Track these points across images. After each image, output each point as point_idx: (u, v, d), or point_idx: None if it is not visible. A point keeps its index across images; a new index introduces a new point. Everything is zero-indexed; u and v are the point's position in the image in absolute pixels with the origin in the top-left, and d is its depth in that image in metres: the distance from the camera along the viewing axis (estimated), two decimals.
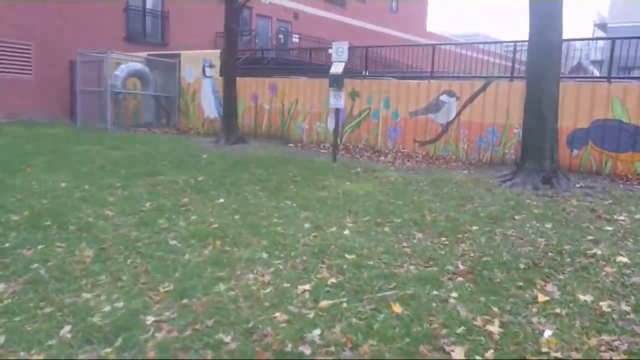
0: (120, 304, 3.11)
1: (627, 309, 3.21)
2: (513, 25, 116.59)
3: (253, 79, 13.89)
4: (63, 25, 16.81)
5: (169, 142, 11.69)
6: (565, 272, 3.84)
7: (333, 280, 3.57)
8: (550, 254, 4.23)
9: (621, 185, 7.74)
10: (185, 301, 3.18)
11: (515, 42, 10.01)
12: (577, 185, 7.43)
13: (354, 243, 4.39)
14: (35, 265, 3.73)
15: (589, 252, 4.25)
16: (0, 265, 3.71)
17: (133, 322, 2.89)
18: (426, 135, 10.80)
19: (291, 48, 22.96)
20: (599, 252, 4.23)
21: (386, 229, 4.89)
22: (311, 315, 3.03)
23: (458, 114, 10.31)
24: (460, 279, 3.67)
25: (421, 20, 34.52)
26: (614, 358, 2.68)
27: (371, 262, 3.94)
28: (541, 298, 3.34)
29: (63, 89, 17.01)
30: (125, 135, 12.56)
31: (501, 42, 12.03)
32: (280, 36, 24.58)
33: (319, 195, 6.28)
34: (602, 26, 29.15)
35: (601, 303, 3.28)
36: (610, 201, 6.40)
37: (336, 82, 9.04)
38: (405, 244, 4.42)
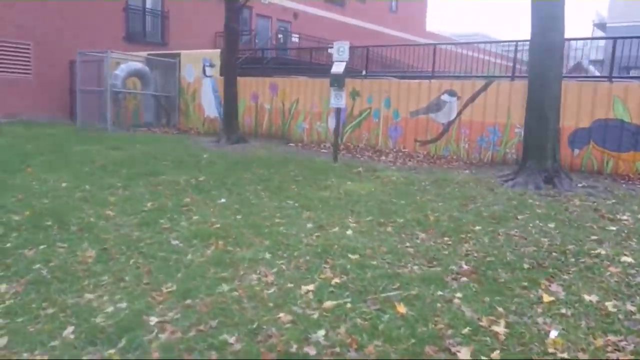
0: (123, 305, 3.10)
1: (633, 309, 3.19)
2: (512, 25, 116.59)
3: (253, 78, 13.87)
4: (63, 25, 16.78)
5: (170, 141, 11.66)
6: (570, 272, 3.82)
7: (337, 280, 3.55)
8: (554, 253, 4.21)
9: (623, 185, 7.72)
10: (188, 302, 3.16)
11: (516, 41, 9.99)
12: (579, 185, 7.41)
13: (357, 243, 4.37)
14: (37, 265, 3.71)
15: (593, 252, 4.23)
16: (1, 265, 3.70)
17: (136, 322, 2.87)
18: (427, 134, 10.78)
19: (291, 48, 22.94)
20: (603, 252, 4.21)
21: (389, 229, 4.87)
22: (315, 316, 3.01)
23: (459, 113, 10.29)
24: (465, 279, 3.65)
25: (421, 20, 34.52)
26: (620, 358, 2.67)
27: (375, 262, 3.92)
28: (546, 298, 3.33)
29: (63, 89, 16.98)
30: (125, 135, 12.54)
31: (502, 42, 12.02)
32: (280, 36, 24.56)
33: (321, 195, 6.26)
34: (601, 26, 29.14)
35: (606, 303, 3.27)
36: (613, 201, 6.39)
37: (337, 81, 9.02)
38: (408, 244, 4.41)
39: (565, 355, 2.67)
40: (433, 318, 3.01)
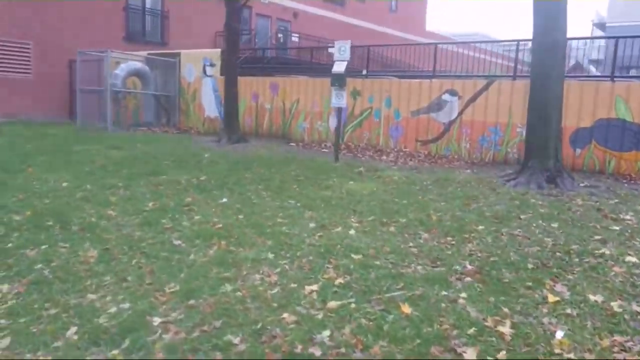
0: (126, 305, 3.07)
1: (639, 309, 3.17)
2: (512, 25, 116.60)
3: (254, 78, 13.85)
4: (63, 25, 16.75)
5: (170, 141, 11.64)
6: (574, 272, 3.80)
7: (340, 280, 3.54)
8: (558, 253, 4.19)
9: (625, 185, 7.71)
10: (192, 302, 3.14)
11: (517, 41, 9.98)
12: (582, 185, 7.40)
13: (360, 243, 4.35)
14: (39, 265, 3.69)
15: (597, 251, 4.22)
16: (3, 265, 3.68)
17: (140, 323, 2.85)
18: (428, 134, 10.76)
19: (292, 47, 22.92)
20: (607, 252, 4.19)
21: (392, 228, 4.86)
22: (320, 316, 2.99)
23: (460, 113, 10.27)
24: (469, 279, 3.63)
25: (420, 20, 34.51)
26: (627, 359, 2.65)
27: (378, 262, 3.90)
28: (551, 298, 3.31)
29: (62, 89, 16.95)
30: (125, 135, 12.51)
31: (503, 42, 12.00)
32: (280, 35, 24.54)
33: (323, 194, 6.24)
34: (600, 25, 29.16)
35: (612, 303, 3.25)
36: (616, 200, 6.37)
37: (338, 81, 9.00)
38: (411, 244, 4.39)
39: (571, 356, 2.65)
40: (438, 318, 2.99)
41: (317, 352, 2.61)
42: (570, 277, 3.71)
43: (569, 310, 3.15)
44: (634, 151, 8.49)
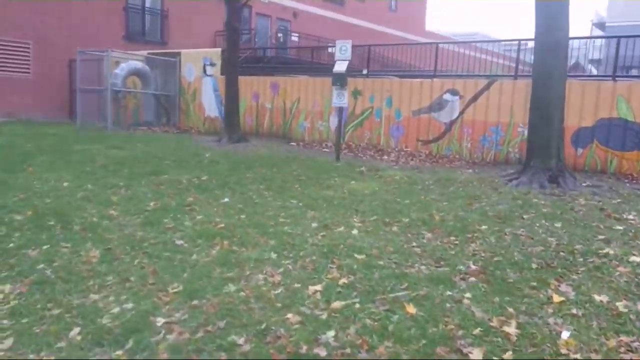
0: (129, 305, 3.06)
1: None
2: (511, 25, 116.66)
3: (254, 77, 13.83)
4: (62, 24, 16.73)
5: (170, 141, 11.61)
6: (579, 272, 3.79)
7: (344, 280, 3.52)
8: (562, 253, 4.18)
9: (627, 185, 7.70)
10: (195, 302, 3.12)
11: (519, 40, 9.96)
12: (584, 185, 7.39)
13: (363, 243, 4.33)
14: (41, 265, 3.67)
15: (601, 251, 4.20)
16: (5, 265, 3.66)
17: (143, 323, 2.83)
18: (429, 134, 10.75)
19: (292, 47, 22.90)
20: (611, 252, 4.18)
21: (394, 228, 4.84)
22: (324, 317, 2.97)
23: (461, 112, 10.26)
24: (473, 279, 3.62)
25: (420, 20, 34.50)
26: (634, 359, 2.63)
27: (381, 262, 3.88)
28: (556, 298, 3.29)
29: (62, 88, 16.93)
30: (125, 135, 12.49)
31: (505, 41, 11.99)
32: (280, 35, 24.53)
33: (325, 194, 6.22)
34: (600, 25, 29.15)
35: (617, 303, 3.23)
36: (619, 200, 6.36)
37: (340, 80, 8.98)
38: (414, 244, 4.37)
39: (578, 357, 2.64)
40: (443, 319, 2.98)
41: (323, 353, 2.60)
42: (574, 277, 3.69)
43: (574, 311, 3.13)
44: (635, 151, 8.47)
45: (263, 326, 2.84)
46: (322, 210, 5.42)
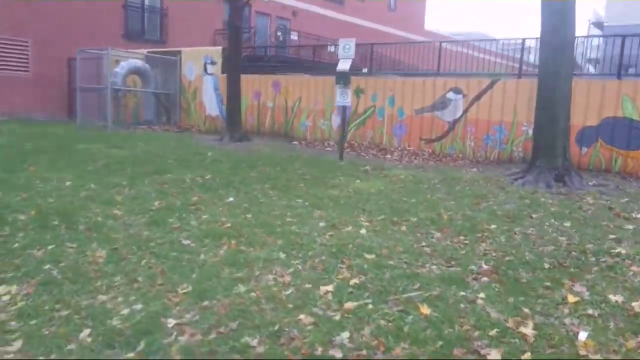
0: (138, 306, 3.00)
1: None
2: (511, 24, 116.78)
3: (256, 76, 13.77)
4: (61, 22, 16.64)
5: (172, 140, 11.55)
6: (592, 271, 3.75)
7: (355, 281, 3.47)
8: (573, 253, 4.14)
9: (634, 183, 7.67)
10: (206, 303, 3.06)
11: (523, 39, 9.92)
12: (590, 184, 7.35)
13: (372, 242, 4.29)
14: (47, 266, 3.61)
15: (613, 251, 4.16)
16: (11, 266, 3.59)
17: (154, 325, 2.78)
18: (432, 133, 10.71)
19: (293, 45, 22.85)
20: (623, 252, 4.14)
21: (403, 228, 4.79)
22: (337, 317, 2.92)
23: (465, 111, 10.22)
24: (485, 279, 3.57)
25: (420, 19, 34.49)
26: None
27: (392, 262, 3.84)
28: (571, 298, 3.25)
29: (61, 87, 16.85)
30: (126, 134, 12.42)
31: (508, 40, 11.92)
32: (279, 34, 24.48)
33: (330, 193, 6.17)
34: (598, 25, 29.16)
35: (633, 304, 3.19)
36: (626, 199, 6.33)
37: (343, 79, 8.93)
38: (424, 244, 4.33)
39: (597, 357, 2.59)
40: (458, 319, 2.93)
41: (338, 354, 2.55)
42: (588, 276, 3.65)
43: (590, 311, 3.09)
44: None
45: (276, 327, 2.78)
46: (329, 210, 5.37)
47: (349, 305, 3.08)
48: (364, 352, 2.58)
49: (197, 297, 3.15)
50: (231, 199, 5.80)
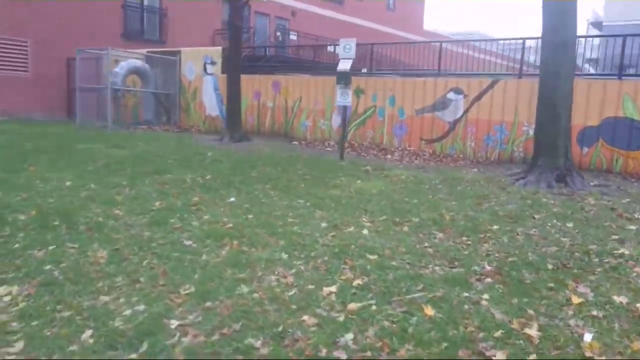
0: (141, 307, 2.98)
1: None
2: (509, 24, 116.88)
3: (256, 76, 13.75)
4: (60, 22, 16.61)
5: (171, 140, 11.53)
6: (595, 272, 3.74)
7: (358, 281, 3.45)
8: (576, 254, 4.13)
9: (635, 184, 7.66)
10: (208, 304, 3.05)
11: (523, 39, 9.91)
12: (592, 184, 7.34)
13: (375, 243, 4.27)
14: (48, 266, 3.58)
15: (616, 252, 4.15)
16: (11, 266, 3.57)
17: (157, 326, 2.76)
18: (433, 133, 10.69)
19: (291, 45, 22.84)
20: (626, 252, 4.13)
21: (405, 228, 4.78)
22: (341, 319, 2.91)
23: (465, 111, 10.21)
24: (489, 280, 3.56)
25: (418, 19, 34.49)
26: None
27: (394, 263, 3.82)
28: (575, 300, 3.24)
29: (60, 87, 16.81)
30: (125, 134, 12.39)
31: (508, 40, 11.91)
32: (278, 34, 24.46)
33: (332, 193, 6.16)
34: (597, 24, 29.17)
35: (637, 305, 3.18)
36: (628, 199, 6.32)
37: (344, 79, 8.92)
38: (426, 244, 4.31)
39: (603, 359, 2.58)
40: (463, 321, 2.91)
41: (343, 356, 2.53)
42: (591, 277, 3.64)
43: (594, 312, 3.08)
44: None
45: (280, 328, 2.77)
46: (330, 210, 5.35)
47: (352, 306, 3.06)
48: (369, 353, 2.56)
49: (199, 298, 3.13)
50: (232, 199, 5.78)
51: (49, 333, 2.68)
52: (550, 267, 3.81)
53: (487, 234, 4.61)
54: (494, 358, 2.56)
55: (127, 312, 2.92)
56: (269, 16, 24.45)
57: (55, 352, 2.50)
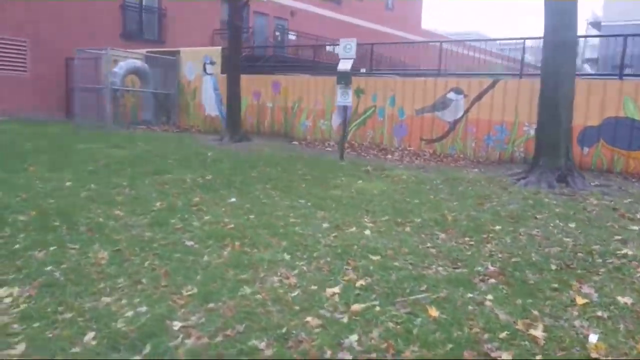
0: (143, 309, 2.95)
1: None
2: (508, 24, 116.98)
3: (255, 76, 13.73)
4: (59, 22, 16.57)
5: (171, 140, 11.50)
6: (599, 273, 3.72)
7: (362, 282, 3.43)
8: (580, 254, 4.11)
9: (636, 184, 7.66)
10: (211, 305, 3.02)
11: (524, 39, 9.90)
12: (593, 184, 7.33)
13: (377, 244, 4.25)
14: (49, 267, 3.56)
15: (619, 252, 4.14)
16: (12, 267, 3.54)
17: (159, 327, 2.73)
18: (433, 133, 10.68)
19: (291, 45, 22.82)
20: (629, 253, 4.12)
21: (407, 228, 4.76)
22: (345, 320, 2.89)
23: (466, 111, 10.20)
24: (492, 280, 3.54)
25: (416, 19, 34.50)
26: None
27: (397, 264, 3.80)
28: (579, 300, 3.22)
29: (59, 87, 16.78)
30: (125, 134, 12.36)
31: (509, 39, 11.92)
32: (277, 34, 24.44)
33: (333, 194, 6.14)
34: (596, 25, 29.24)
35: None
36: (630, 200, 6.31)
37: (344, 79, 8.90)
38: (429, 245, 4.29)
39: None
40: (467, 322, 2.90)
41: (348, 357, 2.51)
42: (595, 278, 3.62)
43: (599, 313, 3.06)
44: None
45: (283, 330, 2.75)
46: (332, 210, 5.34)
47: (356, 307, 3.04)
48: (374, 355, 2.54)
49: (202, 299, 3.11)
50: (233, 199, 5.76)
51: (50, 335, 2.66)
52: (553, 267, 3.79)
53: (490, 235, 4.59)
54: (499, 359, 2.54)
55: (130, 313, 2.90)
56: (268, 16, 24.43)
57: (58, 354, 2.48)
